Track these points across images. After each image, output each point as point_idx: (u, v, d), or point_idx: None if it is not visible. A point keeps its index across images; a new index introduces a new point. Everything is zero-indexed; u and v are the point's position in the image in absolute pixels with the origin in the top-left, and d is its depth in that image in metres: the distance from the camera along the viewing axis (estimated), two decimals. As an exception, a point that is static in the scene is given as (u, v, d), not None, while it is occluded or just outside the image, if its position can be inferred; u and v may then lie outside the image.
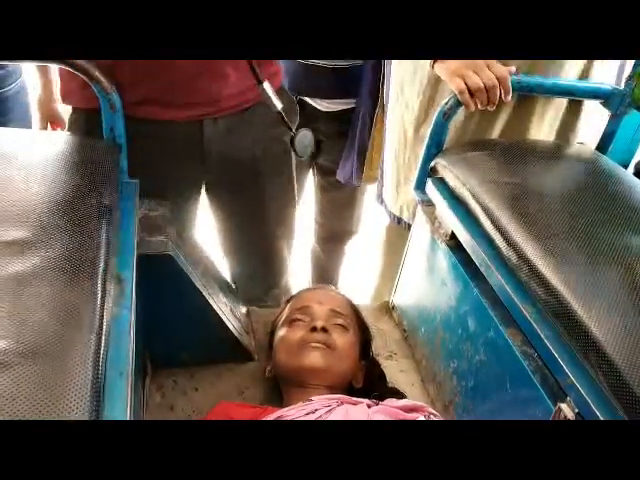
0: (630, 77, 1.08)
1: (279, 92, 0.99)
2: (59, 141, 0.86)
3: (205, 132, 1.03)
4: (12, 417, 0.46)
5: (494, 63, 1.00)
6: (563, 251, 0.80)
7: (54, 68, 1.27)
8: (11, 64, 1.31)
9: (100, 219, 0.72)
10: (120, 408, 0.55)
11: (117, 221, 0.77)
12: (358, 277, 1.93)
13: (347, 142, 1.49)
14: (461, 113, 1.08)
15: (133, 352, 0.63)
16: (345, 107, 1.47)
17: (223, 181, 1.13)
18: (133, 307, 0.69)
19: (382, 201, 1.37)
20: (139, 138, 0.93)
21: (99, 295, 0.62)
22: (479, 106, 1.01)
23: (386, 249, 1.44)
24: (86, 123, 0.99)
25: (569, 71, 1.09)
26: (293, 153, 1.07)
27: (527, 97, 1.10)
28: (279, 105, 0.96)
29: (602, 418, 0.64)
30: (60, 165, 0.79)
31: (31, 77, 1.39)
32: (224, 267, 1.28)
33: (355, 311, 1.03)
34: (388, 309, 1.28)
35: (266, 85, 0.94)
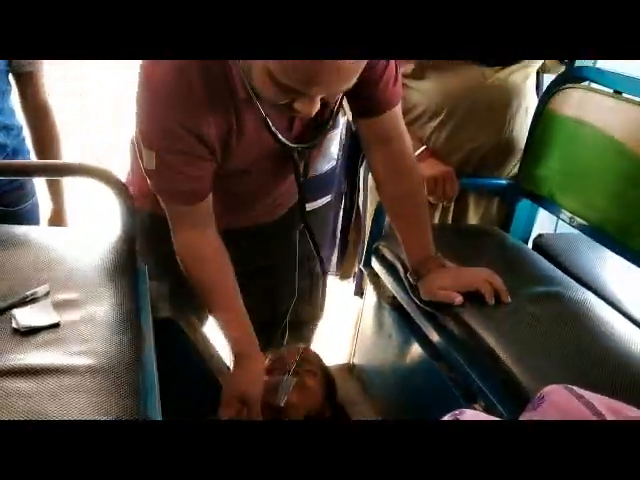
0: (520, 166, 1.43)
1: None
2: (95, 237, 1.13)
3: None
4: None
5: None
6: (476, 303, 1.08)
7: (71, 190, 1.51)
8: (29, 185, 1.53)
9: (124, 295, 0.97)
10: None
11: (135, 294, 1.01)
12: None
13: (325, 234, 1.68)
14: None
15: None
16: (315, 207, 1.64)
17: None
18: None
19: (362, 294, 1.62)
20: None
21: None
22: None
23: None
24: (154, 225, 1.16)
25: None
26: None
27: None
28: None
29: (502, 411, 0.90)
30: (94, 254, 1.06)
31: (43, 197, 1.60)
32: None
33: (321, 363, 1.27)
34: (350, 368, 1.53)
35: None
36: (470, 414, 0.69)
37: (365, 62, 0.84)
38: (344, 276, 1.78)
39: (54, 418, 0.67)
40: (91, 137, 4.22)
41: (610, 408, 0.72)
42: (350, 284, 1.79)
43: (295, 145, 1.03)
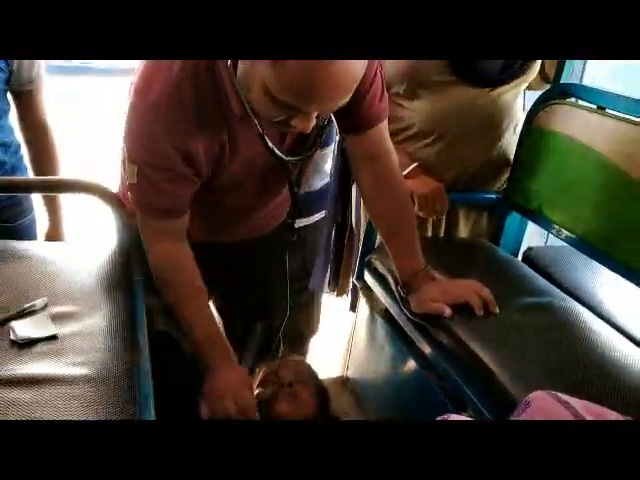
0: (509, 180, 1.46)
1: None
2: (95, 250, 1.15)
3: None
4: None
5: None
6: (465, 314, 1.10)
7: (68, 205, 1.55)
8: (26, 201, 1.56)
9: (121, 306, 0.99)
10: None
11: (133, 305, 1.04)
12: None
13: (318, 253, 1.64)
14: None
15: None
16: (308, 223, 1.66)
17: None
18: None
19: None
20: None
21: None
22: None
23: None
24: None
25: None
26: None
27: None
28: None
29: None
30: (90, 268, 1.08)
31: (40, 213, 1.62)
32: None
33: (314, 374, 1.29)
34: (343, 381, 1.54)
35: None
36: (456, 419, 0.71)
37: (361, 76, 0.85)
38: (340, 292, 1.80)
39: (51, 426, 0.69)
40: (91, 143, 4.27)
41: (592, 412, 0.74)
42: (346, 300, 1.81)
43: (289, 158, 1.05)
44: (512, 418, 0.80)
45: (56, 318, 0.90)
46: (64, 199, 1.59)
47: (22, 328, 0.85)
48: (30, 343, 0.83)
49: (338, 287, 1.72)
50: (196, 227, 1.14)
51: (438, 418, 0.71)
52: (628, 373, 0.95)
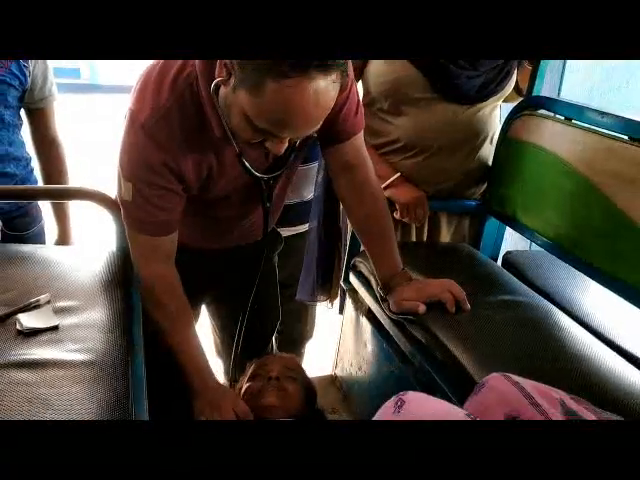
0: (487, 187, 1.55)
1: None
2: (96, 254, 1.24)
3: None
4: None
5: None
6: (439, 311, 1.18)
7: (74, 213, 1.64)
8: (34, 211, 1.65)
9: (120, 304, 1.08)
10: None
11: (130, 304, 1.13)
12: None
13: (304, 262, 1.74)
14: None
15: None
16: (294, 233, 1.74)
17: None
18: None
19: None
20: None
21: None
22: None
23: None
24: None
25: None
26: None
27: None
28: None
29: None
30: (91, 268, 1.17)
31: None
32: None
33: (301, 369, 1.37)
34: (332, 379, 1.62)
35: None
36: (413, 395, 0.79)
37: (332, 105, 0.93)
38: (332, 300, 1.86)
39: (53, 403, 0.77)
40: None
41: (538, 390, 0.82)
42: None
43: (261, 176, 1.12)
44: (471, 396, 0.88)
45: (58, 311, 0.98)
46: (71, 208, 1.69)
47: (27, 320, 0.94)
48: (34, 333, 0.92)
49: (330, 296, 1.78)
50: (191, 235, 1.22)
51: (394, 397, 0.79)
52: (580, 358, 1.03)
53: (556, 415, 0.78)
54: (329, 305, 1.80)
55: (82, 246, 1.56)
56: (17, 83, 1.38)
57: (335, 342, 1.78)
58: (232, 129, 0.99)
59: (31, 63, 1.41)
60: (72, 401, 0.78)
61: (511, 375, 0.85)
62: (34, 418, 0.73)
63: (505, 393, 0.83)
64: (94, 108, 6.99)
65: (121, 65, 9.77)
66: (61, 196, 1.28)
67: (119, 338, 0.97)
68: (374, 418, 0.81)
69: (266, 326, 1.58)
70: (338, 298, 1.78)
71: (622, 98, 1.93)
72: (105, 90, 8.36)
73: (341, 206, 1.67)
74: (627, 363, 1.06)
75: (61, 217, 1.66)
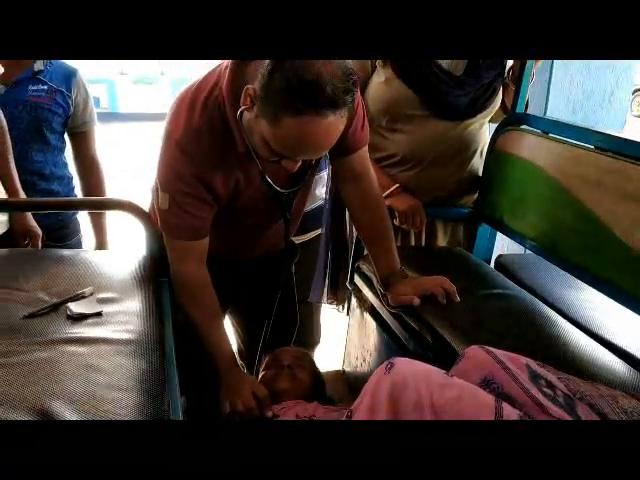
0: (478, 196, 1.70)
1: None
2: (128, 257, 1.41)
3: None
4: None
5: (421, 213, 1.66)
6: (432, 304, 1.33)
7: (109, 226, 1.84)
8: (72, 224, 1.84)
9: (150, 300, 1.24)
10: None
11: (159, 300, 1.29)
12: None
13: (317, 267, 1.87)
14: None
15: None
16: (307, 239, 1.87)
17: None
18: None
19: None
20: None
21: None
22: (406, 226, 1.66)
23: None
24: None
25: None
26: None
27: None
28: None
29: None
30: (126, 268, 1.34)
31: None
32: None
33: (311, 361, 1.52)
34: (341, 373, 1.76)
35: None
36: (400, 359, 0.94)
37: (341, 132, 1.06)
38: (340, 302, 2.00)
39: (103, 368, 0.93)
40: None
41: (508, 357, 0.97)
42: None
43: (283, 191, 1.29)
44: (453, 366, 1.02)
45: (101, 301, 1.15)
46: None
47: (76, 307, 1.11)
48: (82, 317, 1.08)
49: (337, 297, 1.93)
50: (217, 247, 1.35)
51: (385, 362, 0.94)
52: (557, 339, 1.17)
53: (522, 376, 0.93)
54: (339, 308, 1.95)
55: (116, 250, 1.73)
56: (61, 111, 1.59)
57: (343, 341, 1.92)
58: (253, 147, 1.14)
59: (74, 92, 1.61)
60: (117, 367, 0.94)
61: (487, 347, 1.00)
62: (90, 379, 0.89)
63: (481, 360, 0.97)
64: (117, 136, 7.26)
65: (139, 94, 10.18)
66: (101, 206, 1.45)
67: (153, 324, 1.13)
68: (368, 382, 0.96)
69: (287, 331, 1.72)
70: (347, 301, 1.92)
71: (604, 114, 2.10)
72: (123, 118, 8.67)
73: (347, 217, 1.84)
74: (598, 344, 1.21)
75: (98, 227, 1.85)
